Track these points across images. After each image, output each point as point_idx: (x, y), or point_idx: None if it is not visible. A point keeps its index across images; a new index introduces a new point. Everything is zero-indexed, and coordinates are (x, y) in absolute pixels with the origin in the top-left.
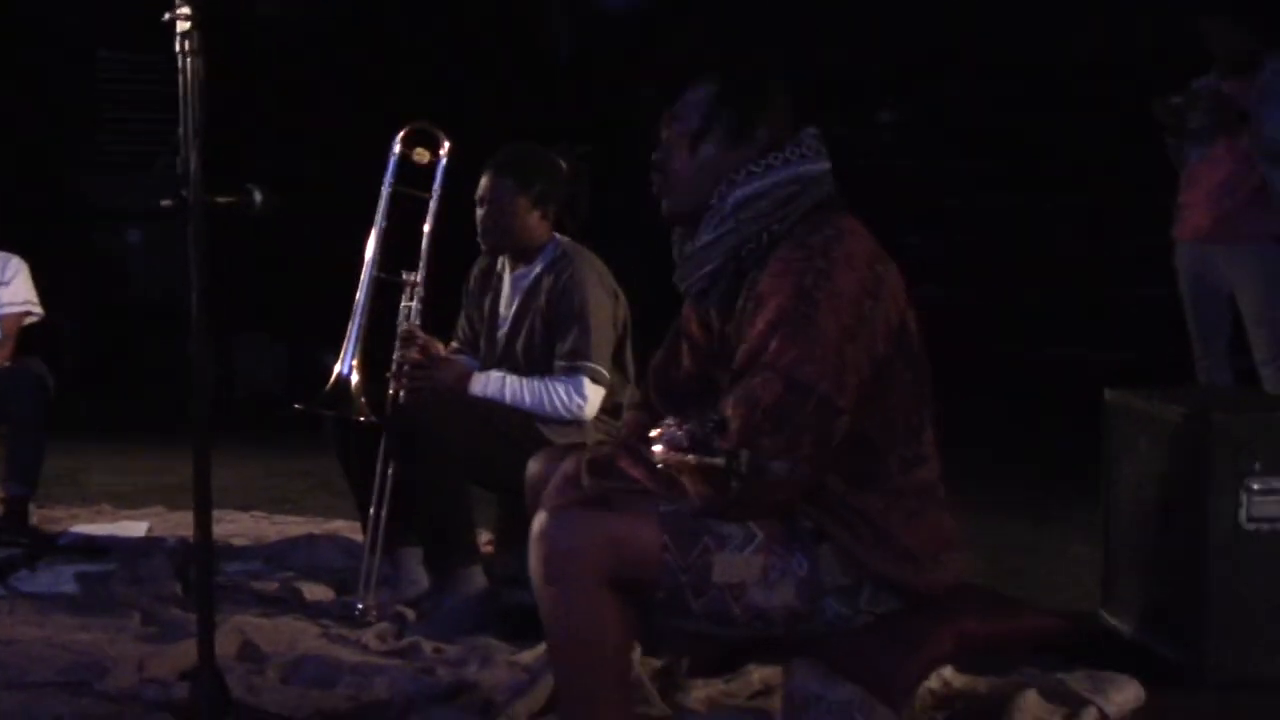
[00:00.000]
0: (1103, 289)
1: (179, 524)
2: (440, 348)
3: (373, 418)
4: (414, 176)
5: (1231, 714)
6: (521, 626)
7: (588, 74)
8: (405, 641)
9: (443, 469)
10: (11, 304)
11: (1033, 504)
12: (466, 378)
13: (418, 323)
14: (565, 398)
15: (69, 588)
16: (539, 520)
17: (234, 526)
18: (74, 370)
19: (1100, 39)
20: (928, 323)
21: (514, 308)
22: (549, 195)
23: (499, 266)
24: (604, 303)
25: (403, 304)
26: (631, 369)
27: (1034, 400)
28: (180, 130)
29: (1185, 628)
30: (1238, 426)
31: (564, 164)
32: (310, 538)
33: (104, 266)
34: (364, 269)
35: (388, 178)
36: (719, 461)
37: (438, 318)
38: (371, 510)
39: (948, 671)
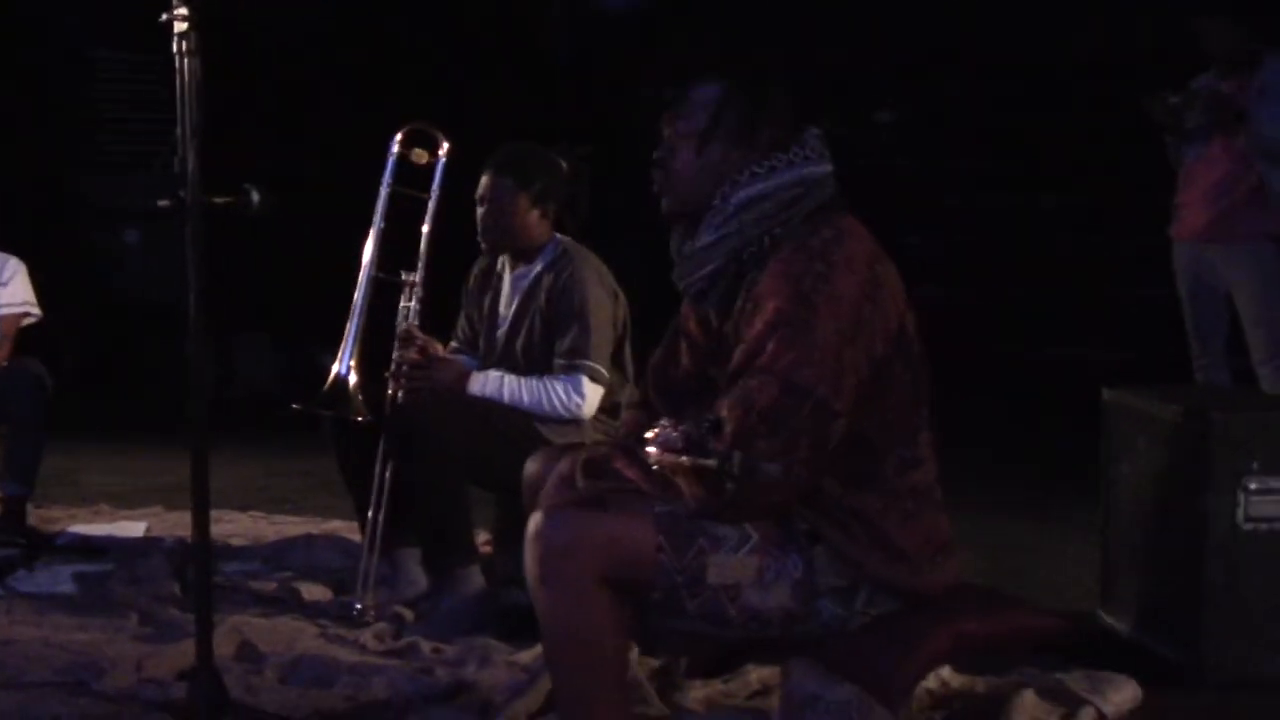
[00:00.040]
0: (1102, 289)
1: (177, 524)
2: (439, 347)
3: (371, 418)
4: (413, 177)
5: (1229, 713)
6: (520, 627)
7: (588, 74)
8: (403, 641)
9: (441, 469)
10: (9, 305)
11: (1033, 504)
12: (465, 377)
13: (416, 323)
14: (564, 396)
15: (67, 588)
16: (534, 521)
17: (232, 526)
18: (72, 370)
19: (1100, 39)
20: (928, 323)
21: (514, 307)
22: (549, 194)
23: (499, 266)
24: (604, 302)
25: (401, 304)
26: (630, 369)
27: (1034, 400)
28: (178, 130)
29: (1183, 627)
30: (1236, 426)
31: (564, 164)
32: (308, 538)
33: (103, 266)
34: (362, 269)
35: (386, 178)
36: (712, 463)
37: (437, 318)
38: (370, 511)
39: (945, 671)
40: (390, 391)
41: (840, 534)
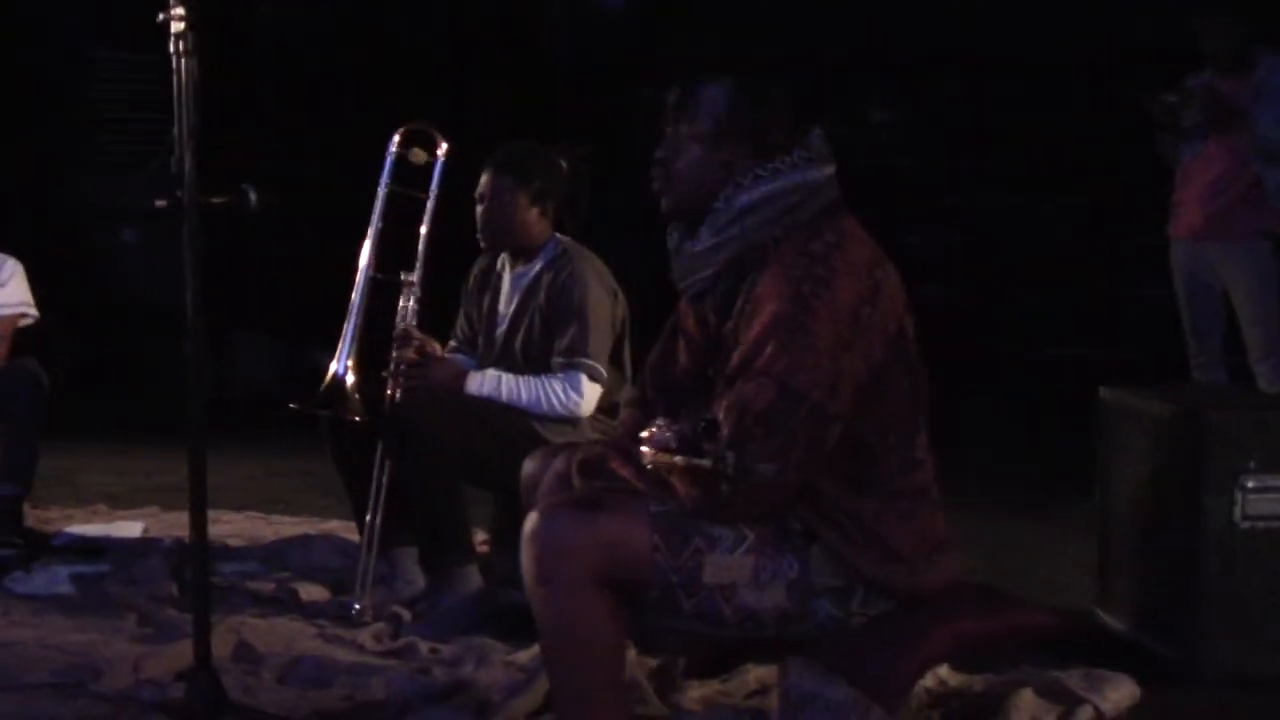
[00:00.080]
0: (1102, 289)
1: (174, 524)
2: (437, 347)
3: (368, 417)
4: (412, 177)
5: (1227, 711)
6: (517, 626)
7: (588, 74)
8: (401, 641)
9: (438, 468)
10: (7, 305)
11: (1033, 504)
12: (462, 376)
13: (414, 323)
14: (561, 395)
15: (64, 589)
16: (530, 521)
17: (229, 527)
18: (70, 370)
19: (1100, 39)
20: (927, 323)
21: (513, 306)
22: (548, 192)
23: (499, 266)
24: (603, 301)
25: (400, 304)
26: (629, 368)
27: (1034, 400)
28: (175, 130)
29: (1180, 625)
30: (1232, 424)
31: (564, 164)
32: (306, 538)
33: (102, 266)
34: (360, 269)
35: (384, 178)
36: (706, 463)
37: (436, 318)
38: (368, 511)
39: (943, 670)
40: (388, 391)
41: (836, 534)
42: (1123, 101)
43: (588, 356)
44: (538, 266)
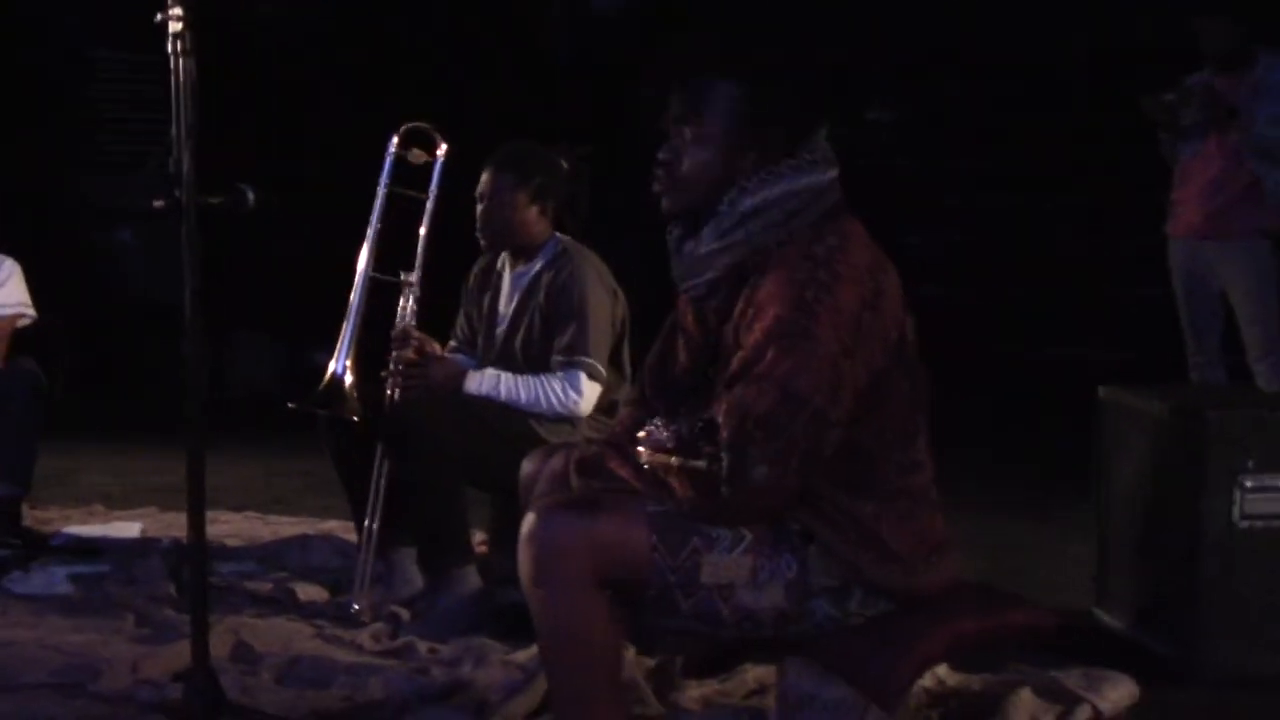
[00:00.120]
0: (1102, 288)
1: (171, 524)
2: (436, 346)
3: (366, 417)
4: (411, 177)
5: (1225, 711)
6: (515, 626)
7: (588, 74)
8: (400, 641)
9: (436, 468)
10: (5, 305)
11: (1032, 504)
12: (461, 376)
13: (413, 323)
14: (560, 393)
15: (62, 589)
16: (528, 521)
17: (228, 527)
18: (69, 372)
19: (1100, 39)
20: (927, 323)
21: (513, 305)
22: (548, 191)
23: (499, 265)
24: (603, 300)
25: (399, 304)
26: (628, 368)
27: (1034, 400)
28: (173, 130)
29: (1179, 625)
30: (1231, 423)
31: (564, 163)
32: (304, 538)
33: (102, 266)
34: (359, 269)
35: (384, 178)
36: (701, 464)
37: (436, 318)
38: (366, 511)
39: (942, 669)
40: (387, 391)
41: (834, 534)
42: (1123, 101)
43: (587, 355)
44: (538, 266)
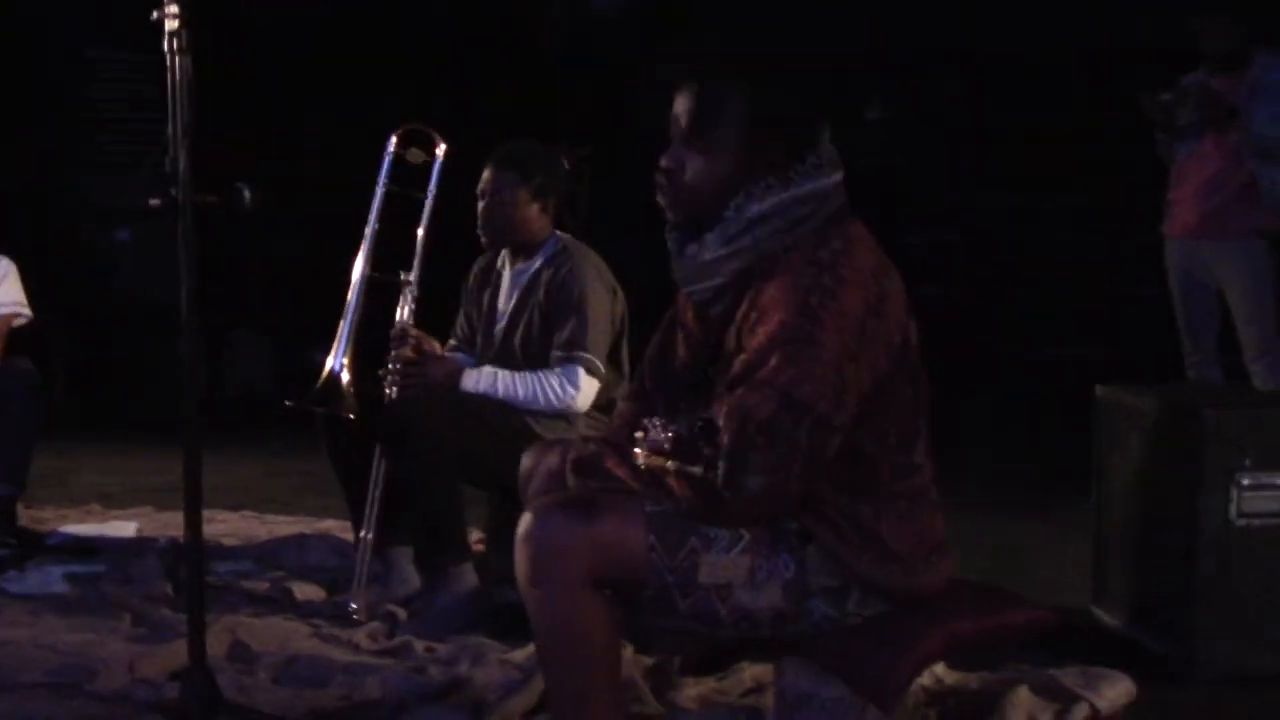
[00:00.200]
0: (1102, 289)
1: (168, 524)
2: (434, 345)
3: (364, 415)
4: (410, 177)
5: (1222, 709)
6: (513, 625)
7: (588, 74)
8: (397, 640)
9: (434, 467)
10: (1, 305)
11: (1032, 504)
12: (459, 374)
13: (411, 321)
14: (558, 389)
15: (59, 588)
16: (525, 521)
17: (224, 526)
18: (67, 371)
19: (1100, 39)
20: (927, 323)
21: (513, 302)
22: (549, 188)
23: (499, 263)
24: (602, 297)
25: (398, 303)
26: (627, 366)
27: (1034, 400)
28: (169, 129)
29: (1176, 623)
30: (1228, 422)
31: (564, 163)
32: (301, 538)
33: (100, 266)
34: (356, 268)
35: (382, 178)
36: (697, 470)
37: (435, 317)
38: (364, 509)
39: (939, 668)
40: (385, 389)
41: (832, 534)
42: (1123, 101)
43: (586, 350)
44: (537, 263)
